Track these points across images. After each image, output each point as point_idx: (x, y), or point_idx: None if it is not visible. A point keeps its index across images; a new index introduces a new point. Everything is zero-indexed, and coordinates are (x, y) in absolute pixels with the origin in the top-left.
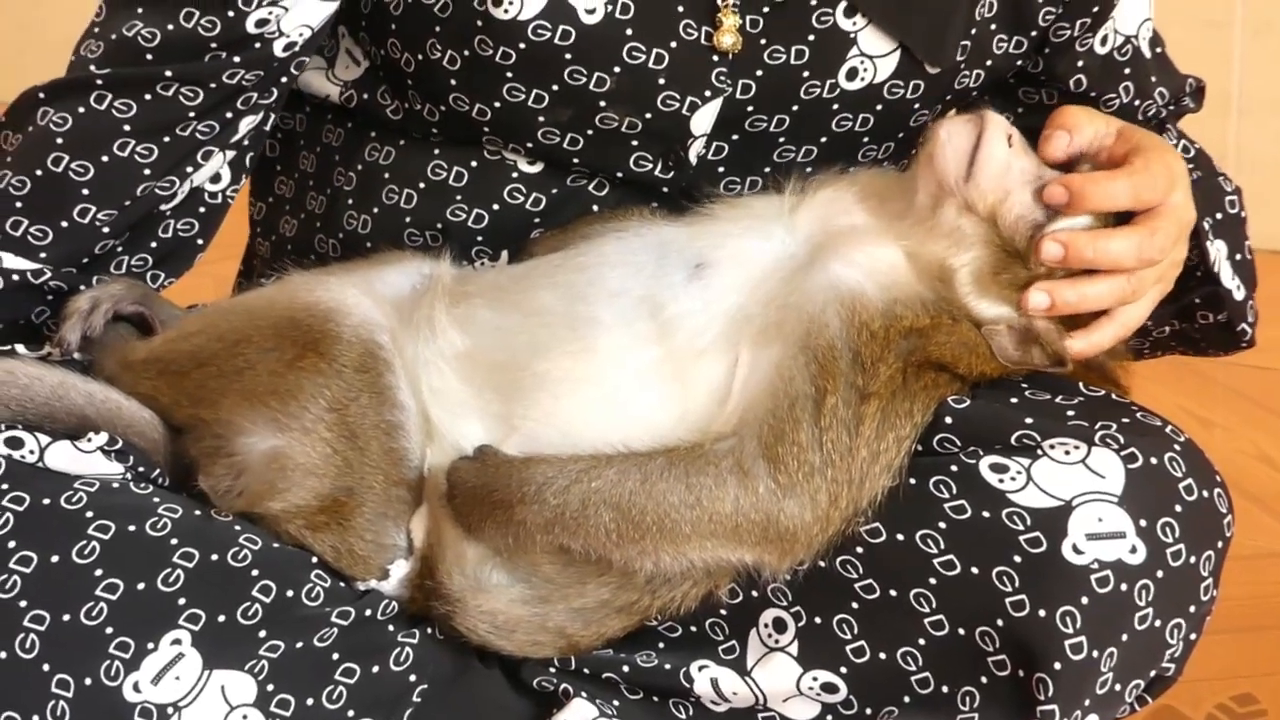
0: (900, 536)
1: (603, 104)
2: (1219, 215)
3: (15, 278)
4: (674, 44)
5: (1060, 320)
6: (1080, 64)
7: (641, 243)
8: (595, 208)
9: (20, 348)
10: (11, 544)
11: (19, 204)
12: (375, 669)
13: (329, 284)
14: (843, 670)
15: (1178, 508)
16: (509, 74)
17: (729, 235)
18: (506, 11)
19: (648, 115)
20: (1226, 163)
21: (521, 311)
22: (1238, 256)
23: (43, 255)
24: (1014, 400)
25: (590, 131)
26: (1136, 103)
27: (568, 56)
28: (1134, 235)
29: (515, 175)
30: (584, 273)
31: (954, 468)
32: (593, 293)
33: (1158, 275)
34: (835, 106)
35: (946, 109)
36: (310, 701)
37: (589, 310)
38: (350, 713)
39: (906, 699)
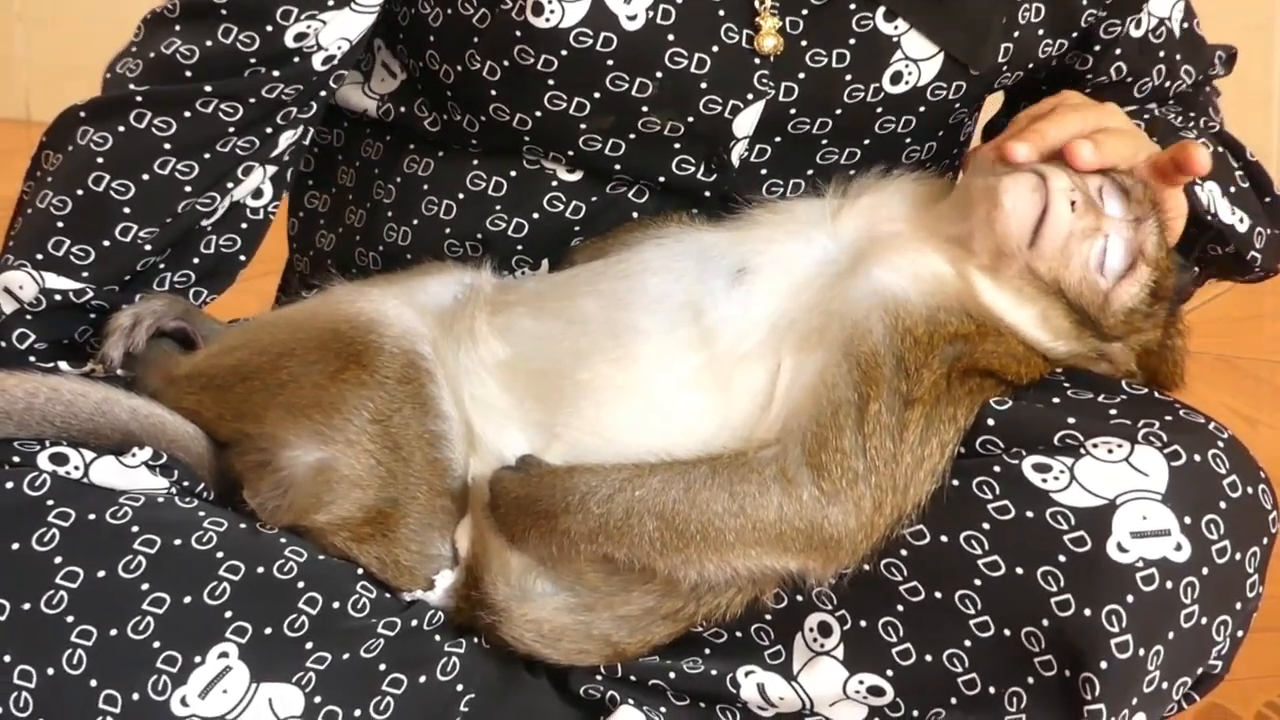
0: (944, 538)
1: (645, 109)
2: None
3: (58, 297)
4: (715, 48)
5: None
6: (1119, 51)
7: (683, 248)
8: (635, 215)
9: (64, 365)
10: (58, 559)
11: (60, 224)
12: (422, 679)
13: (370, 295)
14: (889, 673)
15: (1222, 505)
16: (550, 82)
17: (771, 241)
18: (547, 20)
19: (690, 119)
20: (1269, 163)
21: (563, 319)
22: (1231, 190)
23: (85, 275)
24: (1056, 400)
25: (632, 136)
26: (1167, 84)
27: (609, 63)
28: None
29: (554, 184)
30: (625, 280)
31: (997, 468)
32: (634, 300)
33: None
34: (879, 109)
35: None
36: (358, 713)
37: (630, 317)
38: None
39: (954, 700)
